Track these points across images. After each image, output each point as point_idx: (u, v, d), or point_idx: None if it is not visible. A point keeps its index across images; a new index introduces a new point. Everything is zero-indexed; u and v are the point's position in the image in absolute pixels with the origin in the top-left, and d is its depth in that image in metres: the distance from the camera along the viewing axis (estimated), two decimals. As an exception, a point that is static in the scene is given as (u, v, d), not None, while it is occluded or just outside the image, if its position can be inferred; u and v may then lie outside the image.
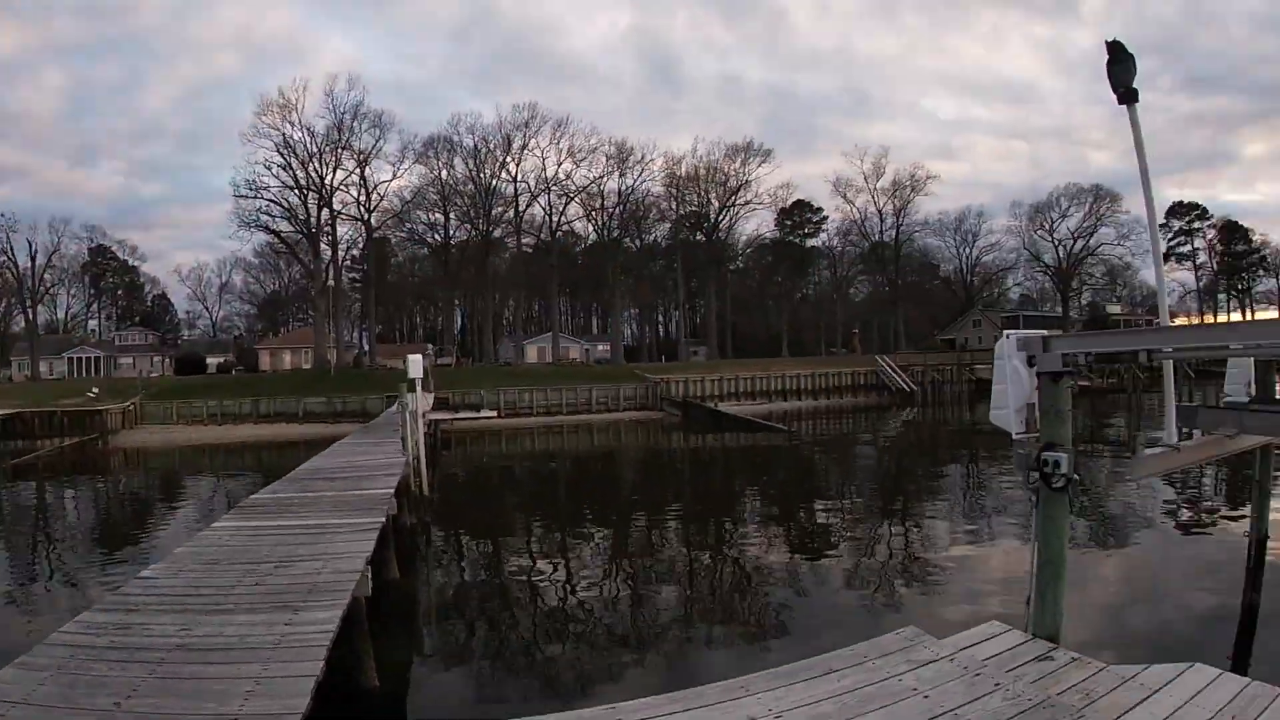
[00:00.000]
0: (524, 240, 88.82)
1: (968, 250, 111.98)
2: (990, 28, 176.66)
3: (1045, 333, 6.62)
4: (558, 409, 53.55)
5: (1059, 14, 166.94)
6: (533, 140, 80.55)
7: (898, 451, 37.39)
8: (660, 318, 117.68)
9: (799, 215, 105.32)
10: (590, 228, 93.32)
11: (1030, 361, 6.46)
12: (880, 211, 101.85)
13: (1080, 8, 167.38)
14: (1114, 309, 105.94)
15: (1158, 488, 20.11)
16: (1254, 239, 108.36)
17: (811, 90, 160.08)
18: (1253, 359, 9.82)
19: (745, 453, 35.62)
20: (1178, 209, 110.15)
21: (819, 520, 19.64)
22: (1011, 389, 6.63)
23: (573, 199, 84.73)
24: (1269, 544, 11.38)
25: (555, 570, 14.96)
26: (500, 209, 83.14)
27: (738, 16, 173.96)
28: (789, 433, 42.56)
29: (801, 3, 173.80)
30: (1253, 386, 9.98)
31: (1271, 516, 11.48)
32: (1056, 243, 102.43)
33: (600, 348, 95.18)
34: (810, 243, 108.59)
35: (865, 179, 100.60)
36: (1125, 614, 11.33)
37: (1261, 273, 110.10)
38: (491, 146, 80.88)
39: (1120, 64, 8.07)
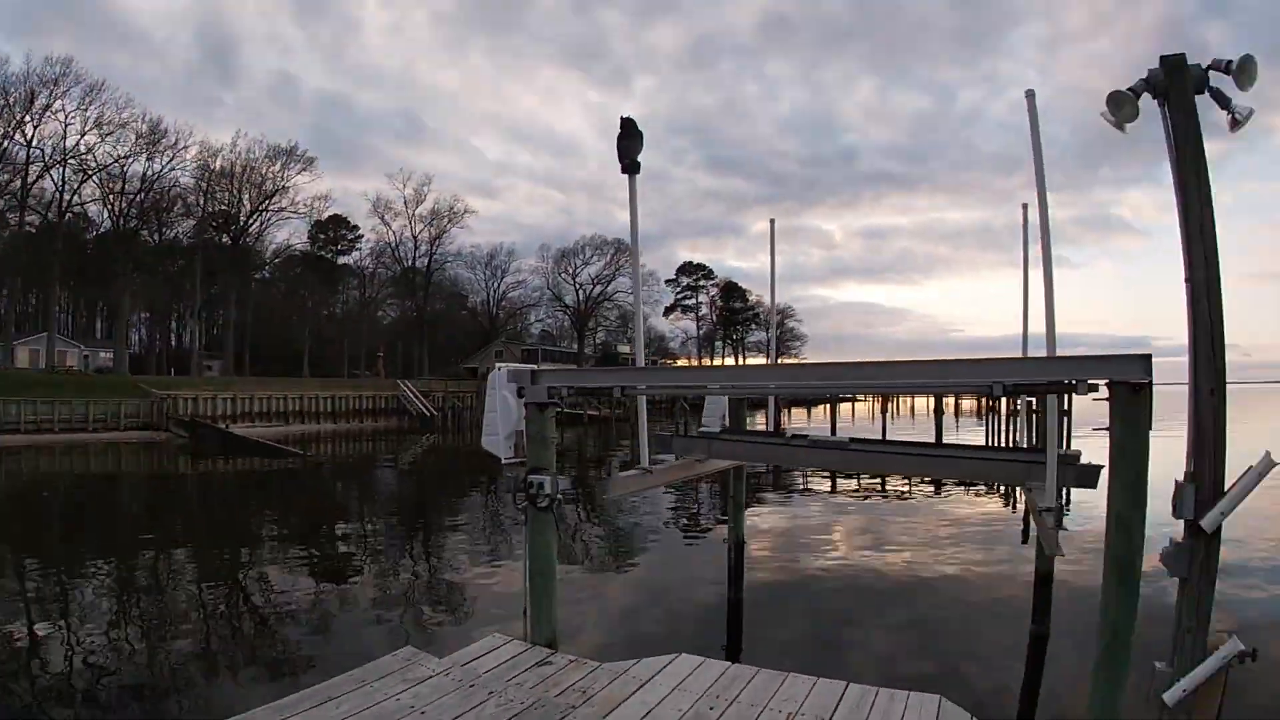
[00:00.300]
0: (28, 218, 73.83)
1: (496, 284, 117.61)
2: (548, 84, 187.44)
3: (534, 367, 7.30)
4: (49, 425, 46.75)
5: (613, 85, 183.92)
6: (59, 101, 68.80)
7: (419, 476, 37.73)
8: (174, 325, 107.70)
9: (334, 230, 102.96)
10: (106, 213, 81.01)
11: (520, 393, 7.09)
12: (416, 238, 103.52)
13: (633, 84, 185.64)
14: (624, 349, 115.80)
15: (663, 503, 22.51)
16: (750, 298, 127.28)
17: (368, 107, 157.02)
18: (727, 396, 11.48)
19: (262, 479, 33.69)
20: (688, 267, 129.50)
21: (340, 548, 19.14)
22: (501, 417, 7.22)
23: (90, 176, 73.87)
24: (746, 548, 13.25)
25: (52, 620, 12.85)
26: (5, 177, 68.48)
27: (309, 16, 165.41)
28: (306, 457, 40.93)
29: (376, 18, 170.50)
30: (727, 419, 11.67)
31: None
32: (578, 286, 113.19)
33: (103, 355, 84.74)
34: (343, 260, 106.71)
35: (406, 204, 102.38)
36: (635, 617, 12.36)
37: (754, 326, 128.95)
38: (11, 101, 66.68)
39: (630, 139, 9.00)
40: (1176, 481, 4.30)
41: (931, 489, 25.17)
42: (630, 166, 8.91)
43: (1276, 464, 4.08)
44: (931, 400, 51.74)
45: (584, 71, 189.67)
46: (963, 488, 24.76)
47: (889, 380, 6.48)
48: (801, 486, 26.80)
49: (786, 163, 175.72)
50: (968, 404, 75.48)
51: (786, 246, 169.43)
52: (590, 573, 15.32)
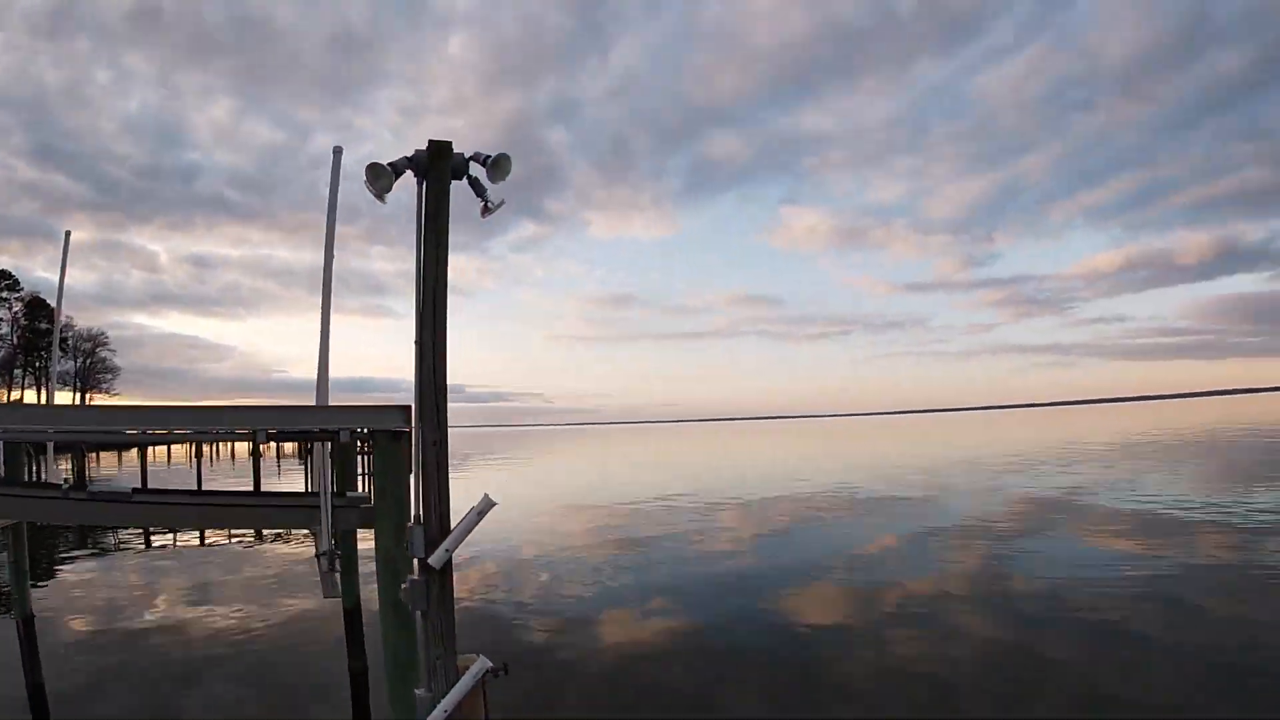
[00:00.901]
0: None
1: None
2: None
3: None
4: None
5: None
6: None
7: None
8: None
9: None
10: None
11: None
12: None
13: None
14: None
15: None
16: (61, 320, 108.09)
17: None
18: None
19: None
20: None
21: None
22: None
23: None
24: (53, 622, 11.38)
25: None
26: None
27: None
28: None
29: None
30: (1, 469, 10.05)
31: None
32: None
33: None
34: None
35: None
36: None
37: (62, 353, 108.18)
38: None
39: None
40: (408, 525, 4.71)
41: (253, 536, 24.57)
42: None
43: (495, 503, 4.67)
44: (249, 445, 50.76)
45: None
46: (283, 534, 24.45)
47: (155, 425, 6.25)
48: (114, 543, 24.57)
49: (121, 169, 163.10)
50: (290, 447, 74.79)
51: (105, 263, 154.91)
52: None
